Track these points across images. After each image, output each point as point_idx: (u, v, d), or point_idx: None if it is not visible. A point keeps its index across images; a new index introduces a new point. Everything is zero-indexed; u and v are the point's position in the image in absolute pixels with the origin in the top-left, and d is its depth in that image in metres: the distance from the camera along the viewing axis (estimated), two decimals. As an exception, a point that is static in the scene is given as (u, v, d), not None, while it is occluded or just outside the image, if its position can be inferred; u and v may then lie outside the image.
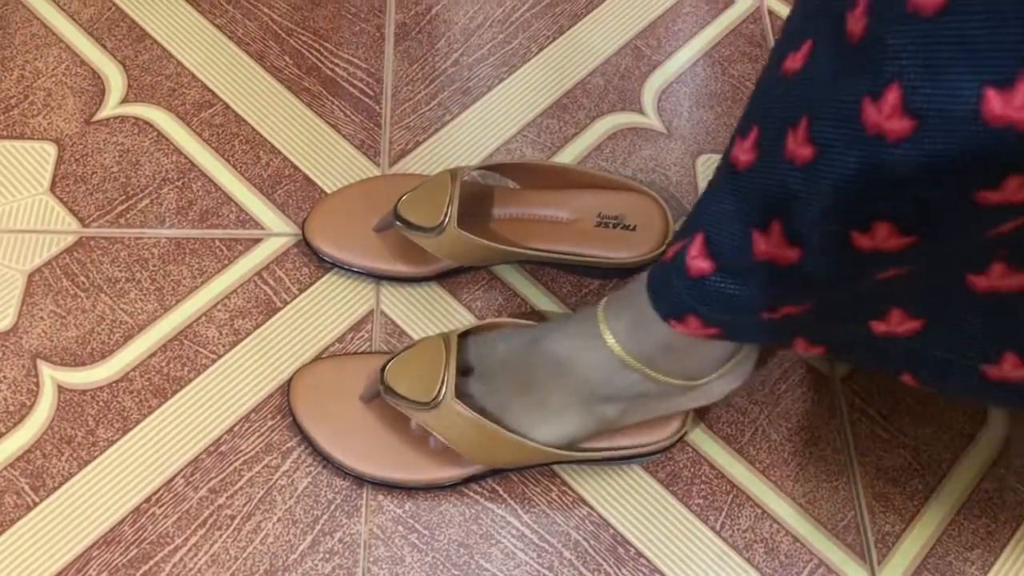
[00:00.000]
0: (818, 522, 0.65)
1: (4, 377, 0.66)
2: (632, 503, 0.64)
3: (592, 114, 0.80)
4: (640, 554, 0.63)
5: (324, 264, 0.71)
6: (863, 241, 0.37)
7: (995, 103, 0.29)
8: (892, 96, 0.31)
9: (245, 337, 0.69)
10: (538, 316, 0.71)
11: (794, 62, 0.39)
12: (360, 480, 0.63)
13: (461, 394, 0.58)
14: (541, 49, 0.83)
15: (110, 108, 0.77)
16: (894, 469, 0.67)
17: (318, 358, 0.67)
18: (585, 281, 0.72)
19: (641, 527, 0.64)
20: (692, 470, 0.66)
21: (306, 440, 0.64)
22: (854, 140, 0.34)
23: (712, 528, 0.64)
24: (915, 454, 0.67)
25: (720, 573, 0.63)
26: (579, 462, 0.63)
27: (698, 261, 0.46)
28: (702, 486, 0.65)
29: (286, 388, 0.66)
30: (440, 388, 0.57)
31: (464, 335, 0.62)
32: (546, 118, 0.80)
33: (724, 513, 0.65)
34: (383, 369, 0.60)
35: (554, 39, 0.84)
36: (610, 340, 0.55)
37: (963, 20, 0.29)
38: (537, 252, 0.68)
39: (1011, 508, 0.66)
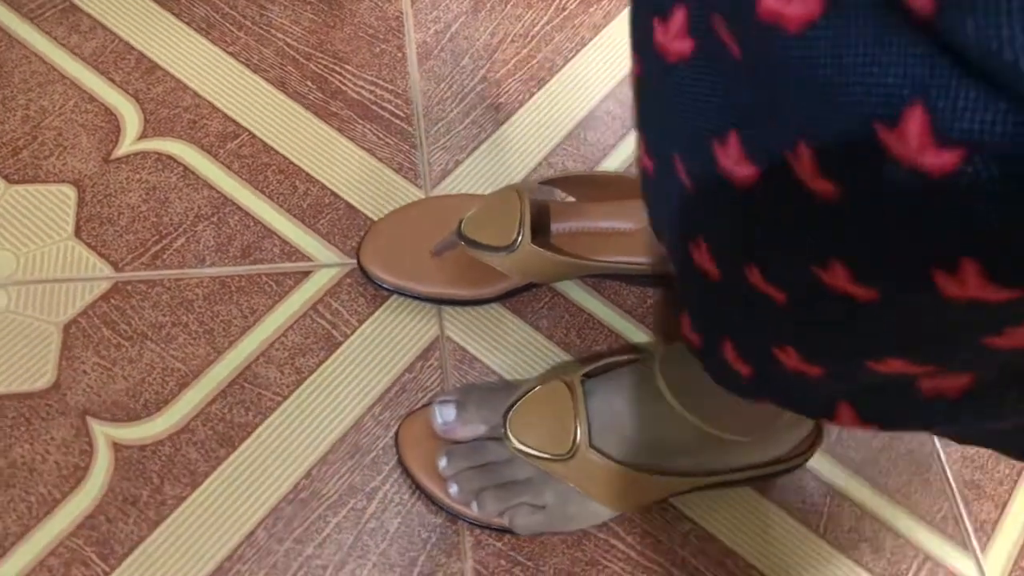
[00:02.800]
0: (916, 515, 0.64)
1: (52, 439, 0.61)
2: (732, 513, 0.63)
3: (628, 124, 0.79)
4: (751, 565, 0.61)
5: (382, 292, 0.67)
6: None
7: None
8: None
9: (309, 375, 0.65)
10: (632, 347, 0.69)
11: None
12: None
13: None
14: (567, 62, 0.82)
15: (128, 144, 0.73)
16: (979, 456, 0.67)
17: (416, 411, 0.63)
18: (648, 292, 0.71)
19: (745, 537, 0.62)
20: (785, 474, 0.64)
21: (425, 494, 0.60)
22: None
23: (815, 531, 0.63)
24: (996, 439, 0.67)
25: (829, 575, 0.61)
26: (719, 486, 0.60)
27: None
28: (798, 489, 0.64)
29: (394, 441, 0.62)
30: (574, 439, 0.55)
31: (587, 377, 0.59)
32: (583, 129, 0.78)
33: (825, 515, 0.63)
34: (505, 417, 0.57)
35: (578, 51, 0.82)
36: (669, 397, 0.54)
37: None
38: (607, 263, 0.66)
39: (1094, 484, 0.66)
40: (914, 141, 0.22)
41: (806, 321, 0.32)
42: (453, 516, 0.60)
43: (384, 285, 0.66)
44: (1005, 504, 0.65)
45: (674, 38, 0.31)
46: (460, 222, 0.64)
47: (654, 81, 0.34)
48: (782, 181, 0.28)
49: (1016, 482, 0.66)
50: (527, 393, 0.58)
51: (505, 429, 0.57)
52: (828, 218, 0.27)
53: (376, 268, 0.66)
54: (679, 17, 0.31)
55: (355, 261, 0.69)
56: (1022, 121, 0.20)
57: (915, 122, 0.22)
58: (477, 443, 0.59)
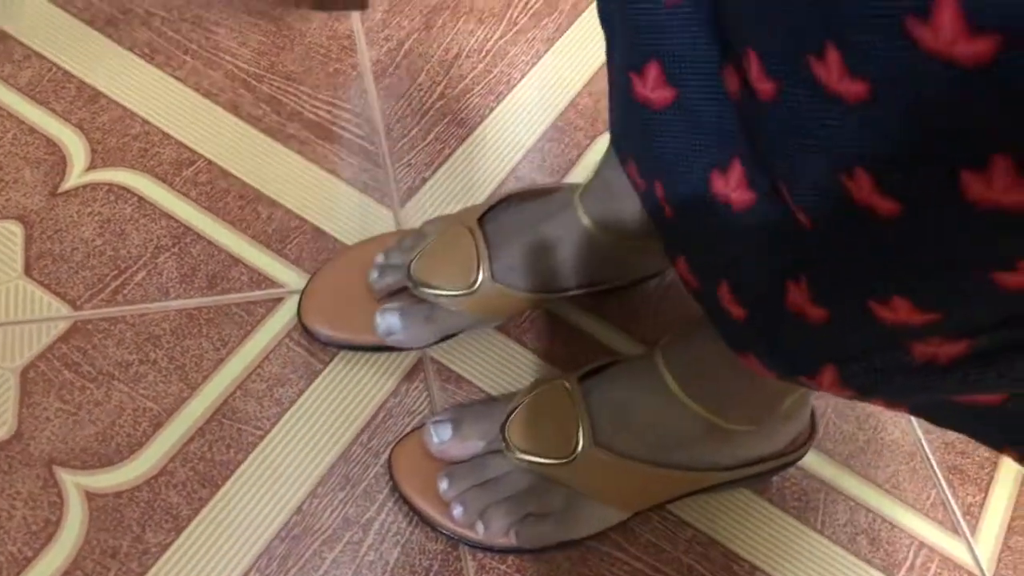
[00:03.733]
0: (907, 504, 0.65)
1: (18, 493, 0.56)
2: (731, 516, 0.62)
3: (590, 134, 0.79)
4: (755, 567, 0.61)
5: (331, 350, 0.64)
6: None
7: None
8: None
9: (290, 406, 0.62)
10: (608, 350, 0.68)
11: None
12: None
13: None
14: (524, 75, 0.81)
15: (76, 176, 0.69)
16: (960, 441, 0.68)
17: (407, 435, 0.61)
18: (629, 298, 0.70)
19: (747, 539, 0.62)
20: (779, 473, 0.64)
21: (424, 520, 0.58)
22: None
23: (814, 528, 0.63)
24: (974, 423, 0.69)
25: (835, 571, 0.61)
26: (726, 484, 0.59)
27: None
28: (793, 487, 0.64)
29: (387, 468, 0.60)
30: (576, 440, 0.53)
31: (583, 378, 0.58)
32: (545, 142, 0.78)
33: (821, 511, 0.64)
34: (503, 428, 0.56)
35: (534, 64, 0.82)
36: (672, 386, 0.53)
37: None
38: (577, 291, 0.64)
39: (1068, 461, 0.68)
40: (948, 31, 0.22)
41: (825, 246, 0.32)
42: (455, 541, 0.58)
43: (335, 343, 0.63)
44: (988, 486, 0.67)
45: None
46: (409, 265, 0.61)
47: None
48: (807, 86, 0.28)
49: (995, 464, 0.67)
50: (523, 401, 0.57)
51: (505, 440, 0.55)
52: (855, 121, 0.26)
53: (321, 326, 0.63)
54: None
55: (329, 285, 0.66)
56: None
57: (947, 10, 0.22)
58: (477, 460, 0.57)
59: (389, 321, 0.61)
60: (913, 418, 0.68)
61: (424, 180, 0.74)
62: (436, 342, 0.63)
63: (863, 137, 0.27)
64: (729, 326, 0.40)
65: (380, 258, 0.63)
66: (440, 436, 0.57)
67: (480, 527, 0.56)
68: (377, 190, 0.72)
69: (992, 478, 0.67)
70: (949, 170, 0.25)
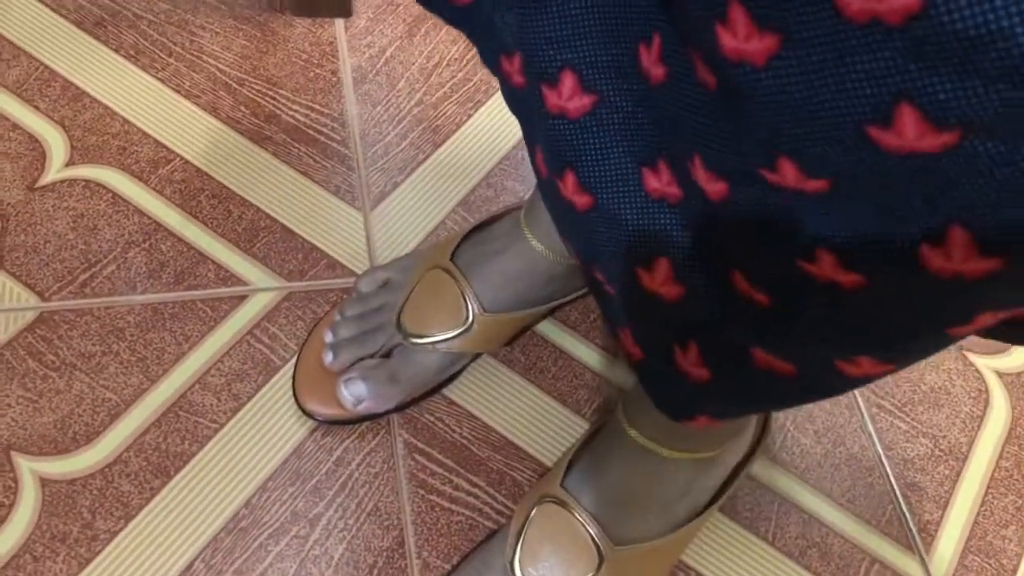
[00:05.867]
0: (862, 519, 0.64)
1: (-26, 476, 0.58)
2: (683, 525, 0.62)
3: (565, 143, 0.79)
4: (700, 575, 0.61)
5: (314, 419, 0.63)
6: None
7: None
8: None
9: (247, 401, 0.63)
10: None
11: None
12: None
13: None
14: (502, 84, 0.82)
15: (54, 172, 0.71)
16: (919, 458, 0.68)
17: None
18: (591, 306, 0.71)
19: (695, 547, 0.62)
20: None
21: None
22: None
23: (765, 539, 0.63)
24: (935, 441, 0.69)
25: (782, 584, 0.61)
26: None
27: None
28: (746, 497, 0.64)
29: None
30: (597, 554, 0.53)
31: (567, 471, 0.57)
32: (520, 150, 0.78)
33: (773, 522, 0.63)
34: (511, 568, 0.54)
35: (513, 74, 0.83)
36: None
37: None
38: (560, 301, 0.65)
39: (1031, 481, 0.68)
40: (911, 133, 0.23)
41: (789, 319, 0.32)
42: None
43: (329, 420, 0.61)
44: (946, 504, 0.66)
45: (654, 63, 0.32)
46: (398, 323, 0.61)
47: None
48: (758, 189, 0.28)
49: (955, 482, 0.67)
50: (521, 533, 0.55)
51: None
52: (815, 209, 0.27)
53: (315, 406, 0.61)
54: (656, 44, 0.31)
55: (292, 284, 0.68)
56: (1011, 97, 0.20)
57: (908, 117, 0.22)
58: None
59: (354, 390, 0.59)
60: (874, 433, 0.68)
61: (396, 184, 0.75)
62: (409, 403, 0.63)
63: (823, 223, 0.27)
64: (685, 391, 0.40)
65: (328, 336, 0.62)
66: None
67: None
68: (348, 193, 0.73)
69: (951, 496, 0.66)
70: (911, 245, 0.25)
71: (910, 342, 0.30)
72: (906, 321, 0.28)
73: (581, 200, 0.37)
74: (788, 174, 0.27)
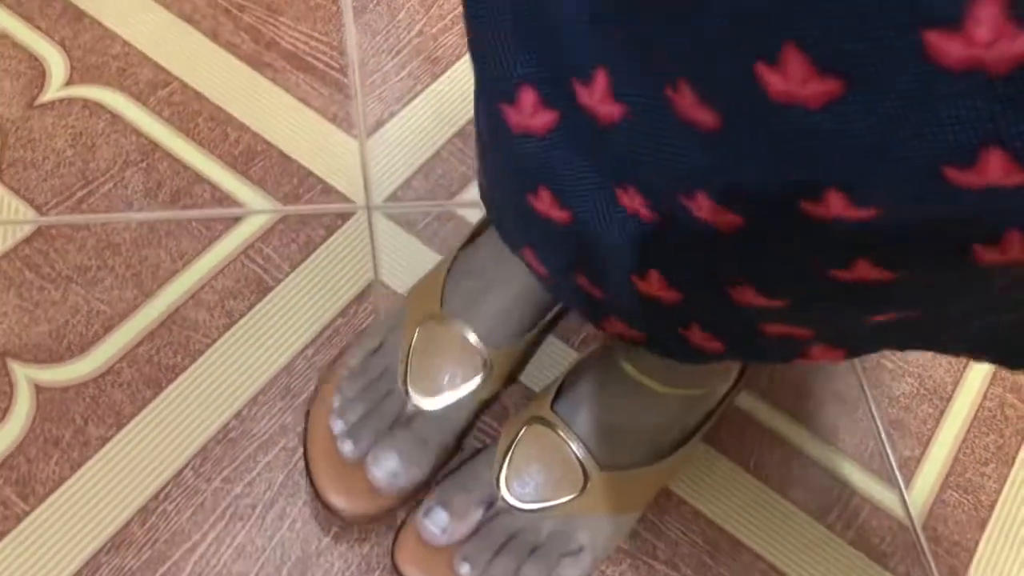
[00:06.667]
0: (844, 454, 0.65)
1: (-29, 378, 0.59)
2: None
3: (564, 78, 0.79)
4: (682, 500, 0.62)
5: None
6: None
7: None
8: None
9: (240, 318, 0.64)
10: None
11: None
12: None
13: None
14: (503, 18, 0.82)
15: (54, 91, 0.71)
16: (904, 396, 0.68)
17: (399, 534, 0.55)
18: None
19: (679, 475, 0.63)
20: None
21: None
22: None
23: (747, 468, 0.64)
24: (920, 380, 0.69)
25: (762, 511, 0.62)
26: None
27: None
28: (730, 428, 0.65)
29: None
30: (583, 470, 0.54)
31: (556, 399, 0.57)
32: (518, 84, 0.78)
33: (755, 453, 0.64)
34: (498, 485, 0.54)
35: (514, 8, 0.83)
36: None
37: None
38: (552, 315, 0.63)
39: (1013, 423, 0.69)
40: (995, 174, 0.22)
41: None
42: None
43: (360, 518, 0.56)
44: (928, 441, 0.67)
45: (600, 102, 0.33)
46: (406, 391, 0.56)
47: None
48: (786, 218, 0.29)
49: (939, 420, 0.68)
50: (509, 452, 0.55)
51: (505, 500, 0.54)
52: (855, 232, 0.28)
53: (339, 502, 0.55)
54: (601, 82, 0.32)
55: (287, 207, 0.68)
56: None
57: (996, 160, 0.22)
58: (484, 529, 0.53)
59: (386, 466, 0.54)
60: (860, 372, 0.69)
61: (392, 114, 0.75)
62: (443, 463, 0.58)
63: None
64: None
65: (338, 426, 0.55)
66: (438, 524, 0.53)
67: None
68: (345, 120, 0.74)
69: (933, 434, 0.67)
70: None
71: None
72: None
73: (559, 217, 0.38)
74: (834, 204, 0.26)
